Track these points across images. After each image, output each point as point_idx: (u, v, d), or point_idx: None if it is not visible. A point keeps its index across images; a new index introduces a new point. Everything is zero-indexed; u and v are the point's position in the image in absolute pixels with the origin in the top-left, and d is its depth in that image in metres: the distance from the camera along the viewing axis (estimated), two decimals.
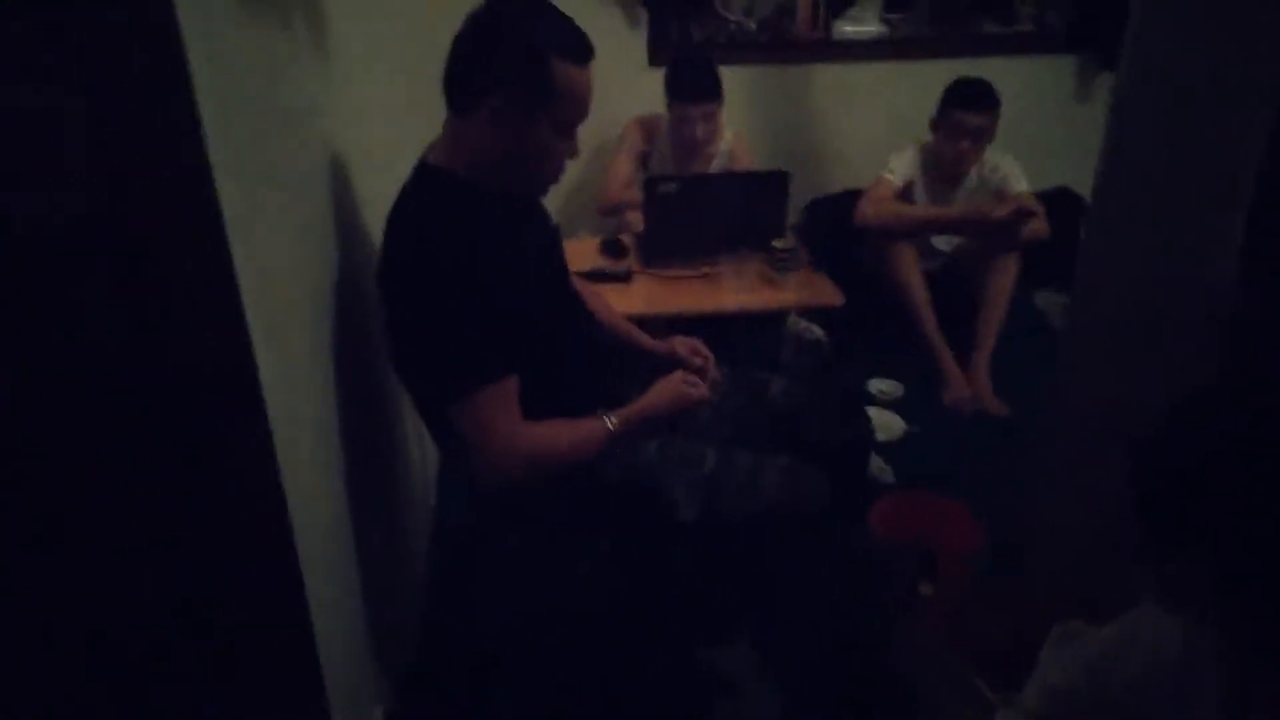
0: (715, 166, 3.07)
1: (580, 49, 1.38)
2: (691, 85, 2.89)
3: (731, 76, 3.04)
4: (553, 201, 1.62)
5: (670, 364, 1.72)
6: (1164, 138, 1.47)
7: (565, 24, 1.39)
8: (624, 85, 3.39)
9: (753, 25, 3.53)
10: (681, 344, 1.78)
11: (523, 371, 1.43)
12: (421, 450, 2.07)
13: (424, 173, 1.47)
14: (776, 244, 2.54)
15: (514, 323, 1.41)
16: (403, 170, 1.49)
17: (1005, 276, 2.90)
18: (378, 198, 1.53)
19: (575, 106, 1.40)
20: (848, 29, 3.53)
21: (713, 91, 2.89)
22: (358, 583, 1.49)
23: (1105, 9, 3.30)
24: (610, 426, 1.48)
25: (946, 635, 1.62)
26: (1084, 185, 2.60)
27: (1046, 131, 3.54)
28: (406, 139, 1.57)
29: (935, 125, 2.96)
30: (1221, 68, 1.28)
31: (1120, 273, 1.62)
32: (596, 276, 2.50)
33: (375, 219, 1.52)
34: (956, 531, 2.04)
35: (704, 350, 1.76)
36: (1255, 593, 0.73)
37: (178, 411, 0.96)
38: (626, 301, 2.36)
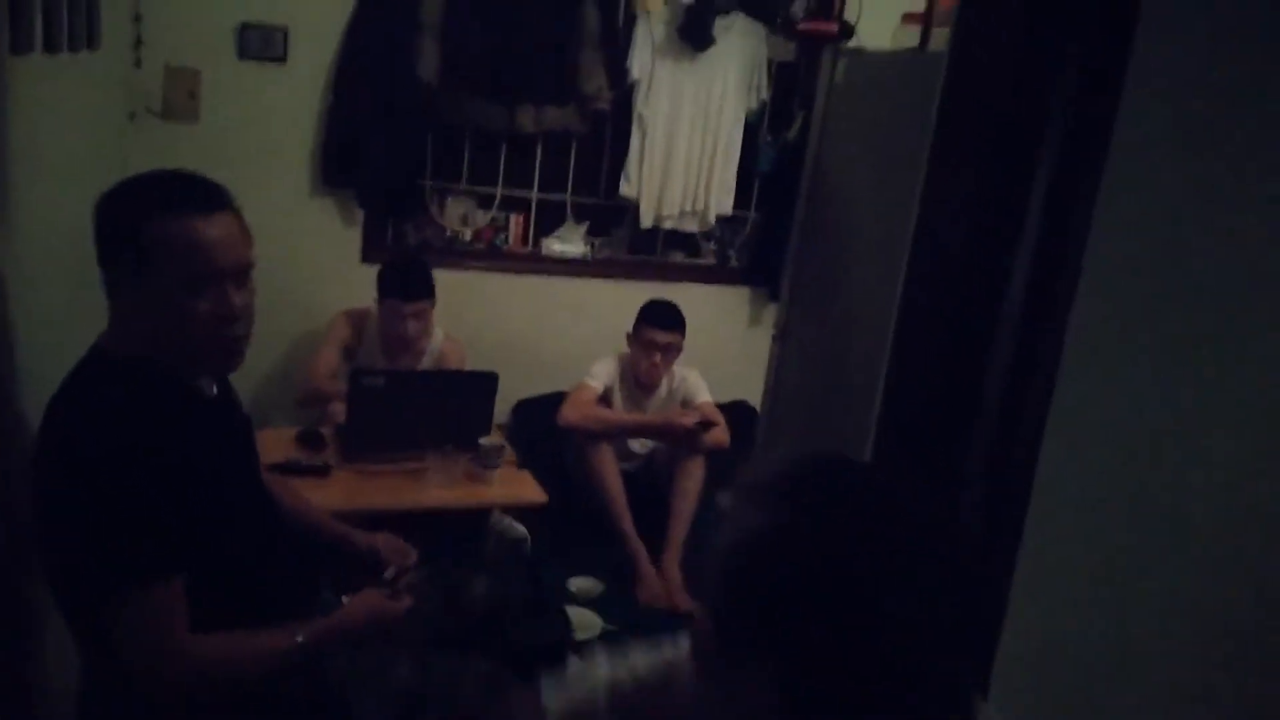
0: (425, 364, 3.10)
1: (187, 199, 1.29)
2: (404, 284, 2.95)
3: (445, 278, 3.16)
4: (247, 390, 1.56)
5: (373, 562, 1.66)
6: (816, 360, 1.73)
7: (169, 181, 1.32)
8: (335, 279, 3.40)
9: (468, 235, 3.73)
10: (386, 541, 1.73)
11: (195, 571, 1.30)
12: (61, 669, 1.78)
13: (91, 355, 1.36)
14: (483, 442, 2.58)
15: (179, 517, 1.28)
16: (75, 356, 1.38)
17: (693, 478, 3.14)
18: (49, 384, 1.38)
19: (188, 259, 1.28)
20: (555, 246, 3.82)
21: (425, 291, 2.96)
22: None
23: (772, 252, 3.87)
24: (299, 640, 1.38)
25: None
26: (757, 398, 2.95)
27: (726, 350, 3.99)
28: (87, 325, 1.45)
29: (630, 339, 3.24)
30: (857, 301, 1.56)
31: None
32: (291, 469, 2.38)
33: (40, 408, 1.37)
34: None
35: (408, 551, 1.72)
36: (810, 704, 0.73)
37: None
38: (324, 496, 2.26)
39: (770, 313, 4.01)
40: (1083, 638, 1.14)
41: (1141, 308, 1.26)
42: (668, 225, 3.87)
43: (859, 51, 1.69)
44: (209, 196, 1.32)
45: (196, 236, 1.28)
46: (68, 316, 1.78)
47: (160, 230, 1.27)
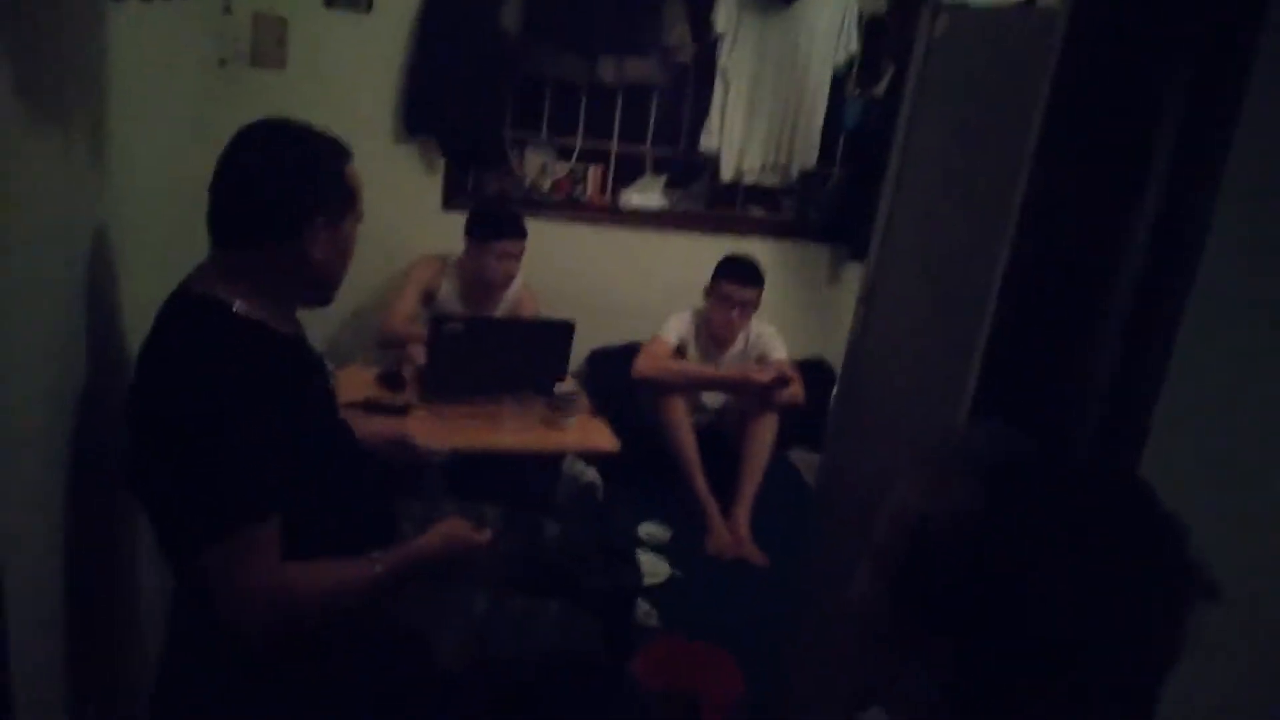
0: (501, 311, 3.15)
1: (346, 149, 1.46)
2: (504, 224, 3.01)
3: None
4: (329, 328, 1.59)
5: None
6: (903, 326, 1.70)
7: (325, 133, 1.45)
8: (417, 226, 3.45)
9: (546, 185, 3.73)
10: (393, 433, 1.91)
11: (287, 509, 1.34)
12: (163, 590, 1.87)
13: (184, 299, 1.39)
14: (558, 389, 2.61)
15: (277, 459, 1.32)
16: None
17: (765, 434, 3.13)
18: (146, 322, 1.43)
19: (360, 201, 1.48)
20: (634, 198, 3.81)
21: (523, 230, 3.02)
22: None
23: (854, 210, 3.79)
24: (376, 569, 1.40)
25: None
26: (835, 356, 2.91)
27: (804, 307, 3.94)
28: (182, 265, 1.50)
29: (707, 293, 3.22)
30: (953, 270, 1.52)
31: (863, 436, 1.81)
32: (371, 408, 2.44)
33: (138, 344, 1.42)
34: (719, 679, 2.09)
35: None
36: (976, 699, 0.72)
37: None
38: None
39: (850, 271, 3.95)
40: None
41: (1267, 294, 1.18)
42: (748, 180, 3.82)
43: (962, 6, 1.61)
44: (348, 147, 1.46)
45: (359, 182, 1.46)
46: (164, 260, 1.84)
47: (352, 174, 1.44)
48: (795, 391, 3.13)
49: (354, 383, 2.57)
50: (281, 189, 1.37)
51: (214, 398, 1.28)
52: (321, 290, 1.48)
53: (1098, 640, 0.68)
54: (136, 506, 1.46)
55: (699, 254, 3.44)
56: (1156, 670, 0.70)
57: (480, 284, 3.08)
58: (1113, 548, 0.70)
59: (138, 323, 1.46)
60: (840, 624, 0.81)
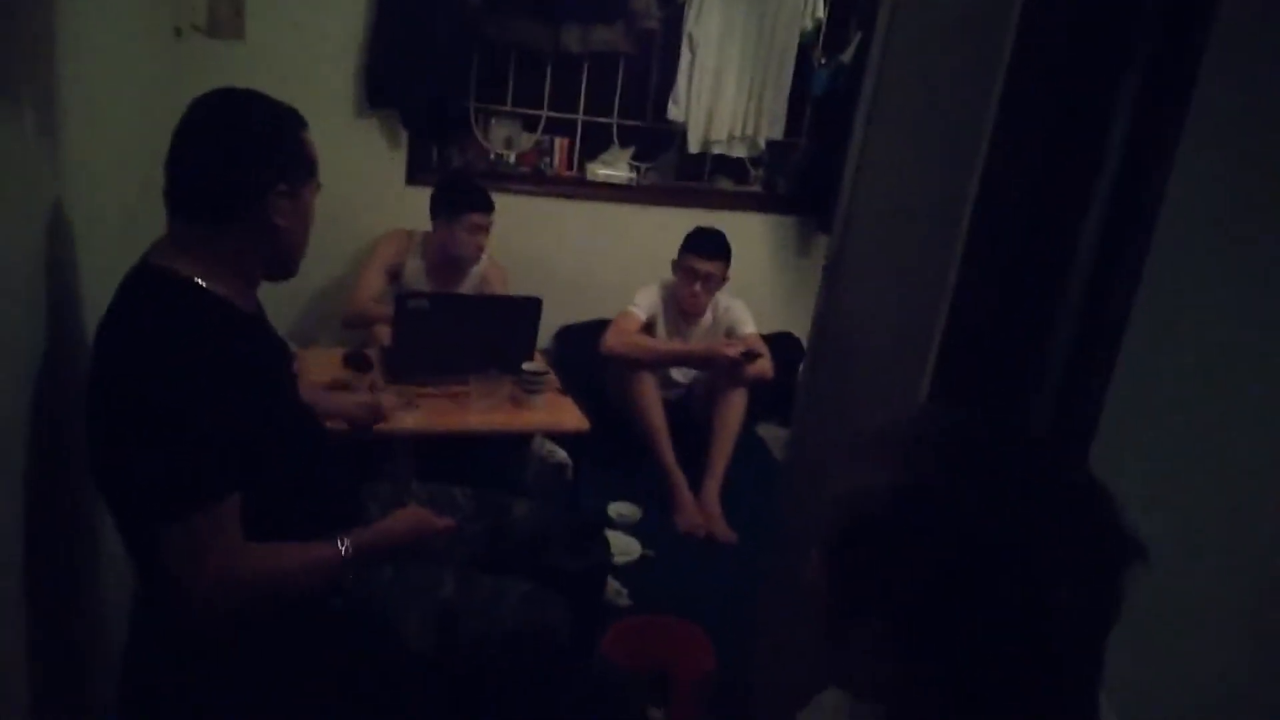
0: (468, 287, 3.11)
1: (299, 115, 1.44)
2: (465, 196, 2.97)
3: None
4: (294, 309, 1.56)
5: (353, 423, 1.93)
6: (869, 296, 1.68)
7: (278, 102, 1.43)
8: (380, 201, 3.40)
9: (512, 158, 3.68)
10: (359, 406, 2.03)
11: (248, 490, 1.33)
12: (117, 580, 1.84)
13: (144, 274, 1.36)
14: (526, 366, 2.59)
15: (234, 435, 1.30)
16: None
17: (734, 409, 3.12)
18: (106, 298, 1.40)
19: (316, 168, 1.46)
20: (601, 171, 3.76)
21: (487, 202, 2.98)
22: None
23: (823, 181, 3.77)
24: (343, 551, 1.40)
25: None
26: (803, 330, 2.90)
27: (772, 281, 3.93)
28: (140, 239, 1.46)
29: (675, 267, 3.20)
30: (916, 239, 1.51)
31: (832, 410, 1.80)
32: (338, 389, 2.41)
33: (93, 322, 1.39)
34: (690, 654, 2.10)
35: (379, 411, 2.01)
36: (927, 673, 0.71)
37: None
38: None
39: (819, 243, 3.94)
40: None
41: (1220, 266, 1.18)
42: (716, 150, 3.79)
43: None
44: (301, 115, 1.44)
45: (316, 151, 1.45)
46: (122, 236, 1.79)
47: (309, 141, 1.43)
48: (764, 366, 3.13)
49: (319, 364, 2.53)
50: (242, 158, 1.36)
51: (171, 373, 1.26)
52: (284, 263, 1.46)
53: (1042, 604, 0.67)
54: (97, 493, 1.43)
55: (667, 227, 3.41)
56: (1099, 631, 0.70)
57: (448, 259, 3.04)
58: (1044, 512, 0.69)
59: (97, 300, 1.42)
60: (800, 603, 0.80)
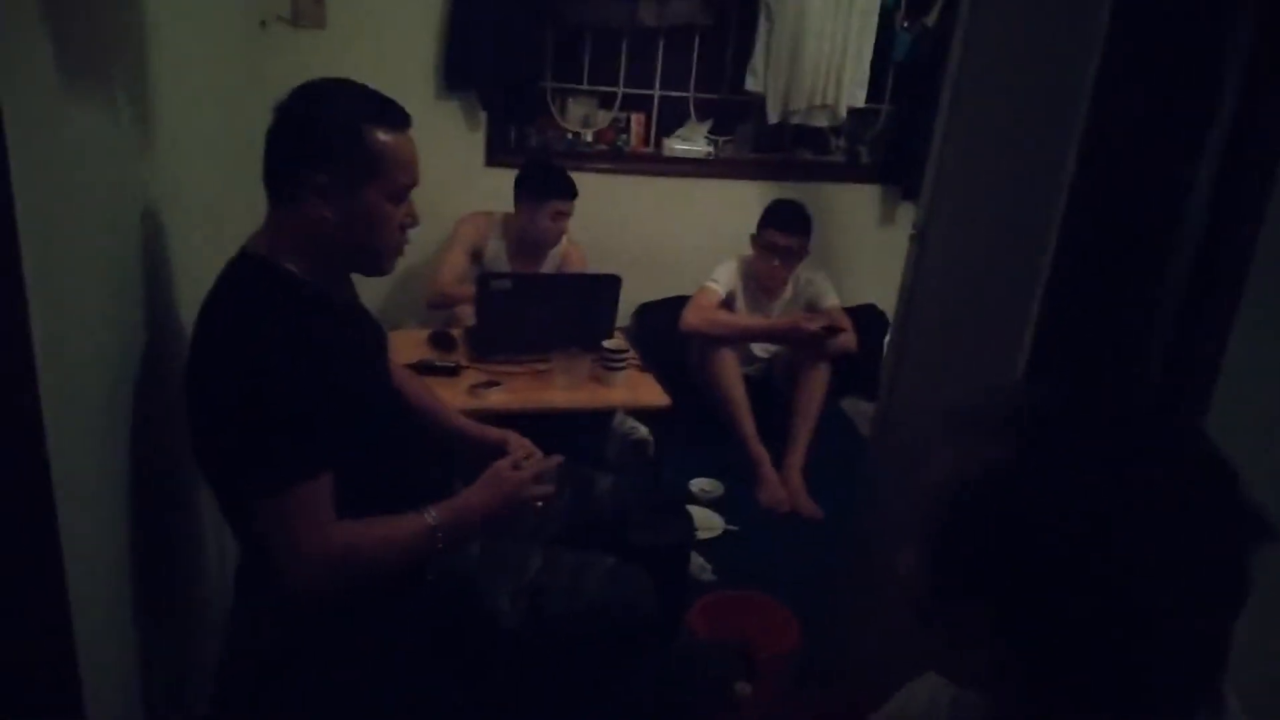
0: (548, 267, 3.13)
1: (393, 115, 1.40)
2: (550, 183, 2.99)
3: None
4: (380, 292, 1.60)
5: (501, 455, 1.68)
6: (959, 265, 1.63)
7: (373, 95, 1.41)
8: (461, 183, 3.43)
9: (589, 136, 3.68)
10: (514, 437, 1.76)
11: (339, 469, 1.37)
12: (220, 551, 1.92)
13: (241, 262, 1.42)
14: (606, 344, 2.60)
15: (328, 417, 1.35)
16: (221, 260, 1.44)
17: (817, 384, 3.08)
18: (196, 286, 1.46)
19: (400, 171, 1.40)
20: (677, 146, 3.73)
21: (571, 189, 3.00)
22: (137, 689, 1.35)
23: (907, 148, 3.67)
24: (429, 520, 1.42)
25: None
26: (888, 303, 2.84)
27: (855, 252, 3.85)
28: (227, 229, 1.51)
29: (753, 241, 3.16)
30: (1011, 206, 1.45)
31: (920, 383, 1.76)
32: (424, 369, 2.46)
33: (191, 308, 1.45)
34: (774, 631, 2.09)
35: (533, 449, 1.74)
36: (1031, 663, 0.68)
37: None
38: (453, 395, 2.32)
39: (904, 212, 3.84)
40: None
41: None
42: (795, 120, 3.71)
43: None
44: (405, 116, 1.41)
45: (405, 152, 1.40)
46: (210, 221, 1.86)
47: (381, 140, 1.37)
48: (848, 339, 3.07)
49: (406, 345, 2.59)
50: (281, 144, 1.38)
51: (264, 356, 1.31)
52: (363, 257, 1.46)
53: (1153, 591, 0.63)
54: (200, 477, 1.49)
55: (746, 201, 3.37)
56: (1223, 617, 0.66)
57: (529, 242, 3.07)
58: (1163, 491, 0.65)
59: (193, 287, 1.48)
60: (895, 589, 0.77)
